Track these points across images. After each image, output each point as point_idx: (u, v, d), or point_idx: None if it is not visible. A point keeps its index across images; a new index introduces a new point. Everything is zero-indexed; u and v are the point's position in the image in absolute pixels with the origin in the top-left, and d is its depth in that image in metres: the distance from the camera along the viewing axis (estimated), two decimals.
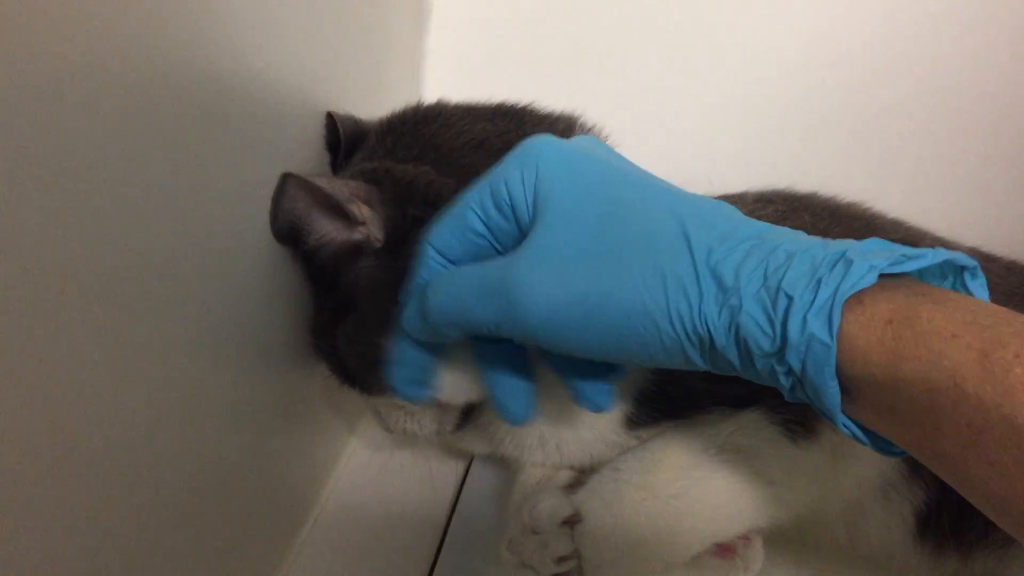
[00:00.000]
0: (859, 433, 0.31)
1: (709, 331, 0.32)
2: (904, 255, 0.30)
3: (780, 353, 0.30)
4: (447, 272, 0.39)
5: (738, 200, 0.59)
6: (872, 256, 0.29)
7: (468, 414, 0.53)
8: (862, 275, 0.29)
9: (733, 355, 0.32)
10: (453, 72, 0.56)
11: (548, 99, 0.56)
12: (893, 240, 0.50)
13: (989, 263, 0.57)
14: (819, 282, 0.29)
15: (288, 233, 0.46)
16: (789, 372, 0.30)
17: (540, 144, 0.38)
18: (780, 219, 0.54)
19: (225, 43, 0.38)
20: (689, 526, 0.47)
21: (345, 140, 0.54)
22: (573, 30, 0.71)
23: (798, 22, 0.69)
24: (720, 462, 0.48)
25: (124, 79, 0.30)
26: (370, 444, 0.67)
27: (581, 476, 0.53)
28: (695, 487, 0.47)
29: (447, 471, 0.63)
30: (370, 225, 0.45)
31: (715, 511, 0.48)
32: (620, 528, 0.47)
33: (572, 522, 0.48)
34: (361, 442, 0.67)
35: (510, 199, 0.37)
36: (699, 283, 0.32)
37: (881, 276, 0.29)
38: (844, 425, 0.31)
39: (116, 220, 0.31)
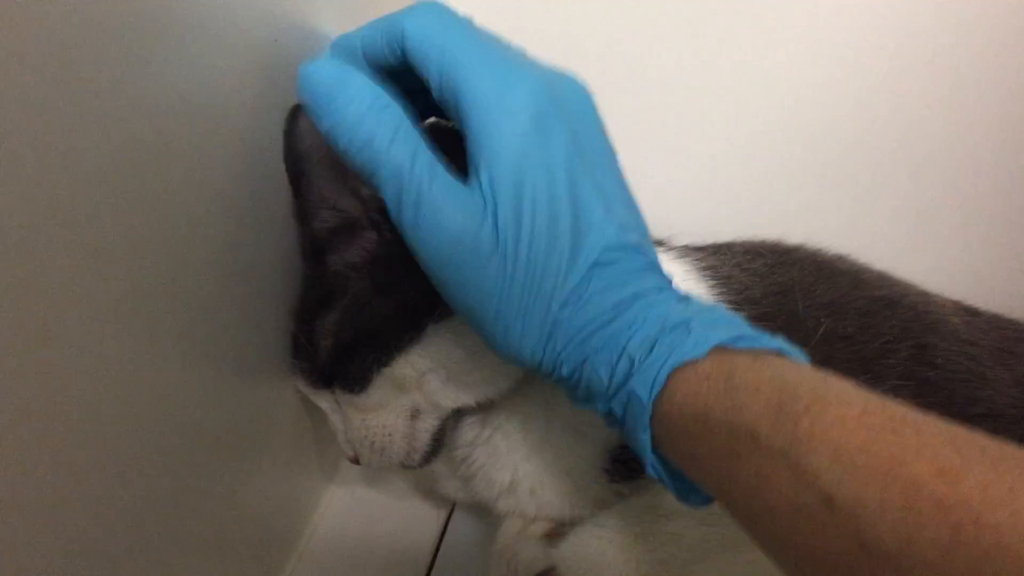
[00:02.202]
0: (665, 477, 0.35)
1: (558, 362, 0.38)
2: (742, 336, 0.33)
3: (609, 399, 0.36)
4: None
5: (727, 251, 0.59)
6: (714, 330, 0.34)
7: (439, 443, 0.51)
8: (694, 348, 0.33)
9: (568, 383, 0.38)
10: None
11: None
12: (877, 296, 0.51)
13: (972, 317, 0.58)
14: (653, 346, 0.34)
15: (293, 172, 0.45)
16: (611, 414, 0.37)
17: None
18: (768, 273, 0.55)
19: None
20: None
21: None
22: (553, 35, 0.70)
23: (789, 70, 0.70)
24: (707, 526, 0.47)
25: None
26: (351, 491, 0.66)
27: (563, 528, 0.51)
28: (679, 556, 0.46)
29: (428, 518, 0.62)
30: None
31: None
32: None
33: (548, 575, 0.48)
34: (341, 488, 0.66)
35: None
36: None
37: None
38: (652, 467, 0.35)
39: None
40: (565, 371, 0.38)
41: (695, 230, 0.61)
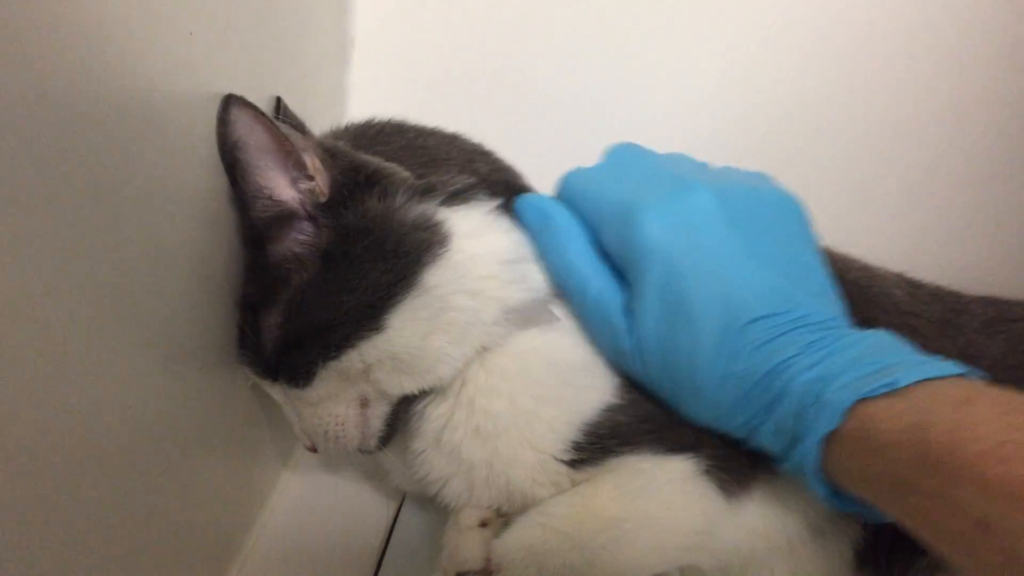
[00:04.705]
0: (855, 508, 0.40)
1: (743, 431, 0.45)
2: (876, 387, 0.37)
3: (783, 457, 0.43)
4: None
5: None
6: (847, 389, 0.38)
7: (392, 426, 0.51)
8: (829, 421, 0.38)
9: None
10: (377, 107, 0.56)
11: (472, 133, 0.56)
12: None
13: (915, 289, 0.58)
14: (803, 421, 0.39)
15: (228, 160, 0.45)
16: (792, 464, 0.42)
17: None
18: None
19: (143, 79, 0.38)
20: (614, 574, 0.46)
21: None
22: (498, 64, 0.72)
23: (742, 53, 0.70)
24: (649, 512, 0.47)
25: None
26: (305, 477, 0.66)
27: (509, 519, 0.51)
28: (624, 539, 0.46)
29: (379, 506, 0.62)
30: (319, 179, 0.45)
31: (641, 561, 0.46)
32: None
33: (492, 569, 0.47)
34: (295, 474, 0.66)
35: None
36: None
37: None
38: (839, 504, 0.40)
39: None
40: (745, 435, 0.44)
41: None
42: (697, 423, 0.46)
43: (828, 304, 0.45)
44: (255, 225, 0.47)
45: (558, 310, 0.50)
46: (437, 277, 0.46)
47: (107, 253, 0.36)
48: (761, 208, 0.48)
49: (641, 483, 0.47)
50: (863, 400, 0.37)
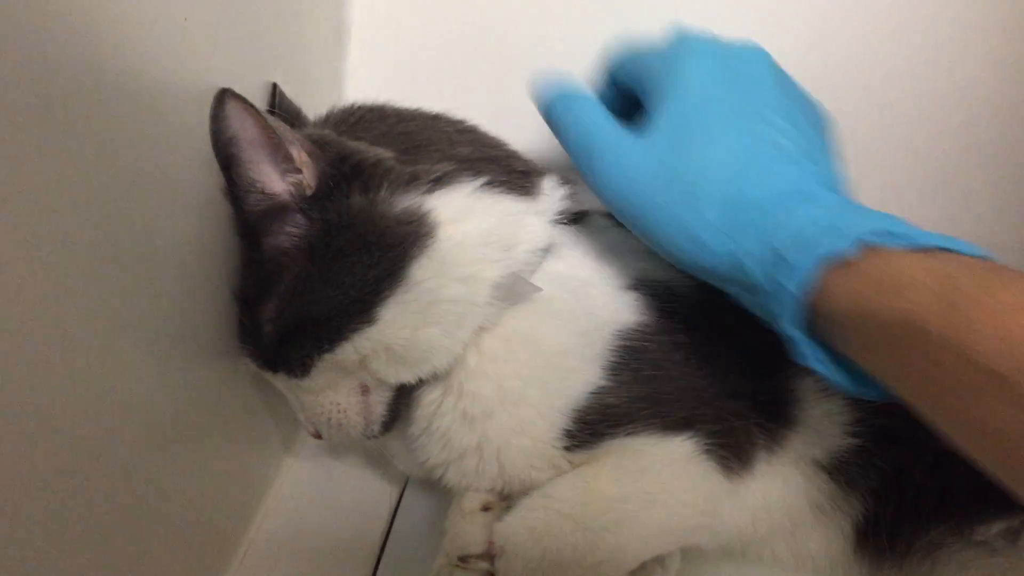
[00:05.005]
0: (832, 372, 0.37)
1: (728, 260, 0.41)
2: (895, 233, 0.34)
3: (768, 297, 0.38)
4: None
5: None
6: (863, 225, 0.35)
7: (395, 411, 0.51)
8: (840, 243, 0.35)
9: (740, 287, 0.41)
10: (374, 91, 0.55)
11: (469, 118, 0.56)
12: None
13: None
14: (805, 244, 0.36)
15: (223, 155, 0.45)
16: (769, 297, 0.38)
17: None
18: None
19: (138, 66, 0.37)
20: (618, 557, 0.46)
21: (284, 115, 0.54)
22: (495, 48, 0.71)
23: None
24: (652, 493, 0.47)
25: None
26: (307, 463, 0.66)
27: (511, 502, 0.51)
28: (627, 520, 0.46)
29: (383, 492, 0.63)
30: (305, 171, 0.45)
31: (644, 541, 0.47)
32: (546, 560, 0.46)
33: (494, 552, 0.47)
34: (298, 460, 0.66)
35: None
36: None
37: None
38: (815, 361, 0.37)
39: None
40: (727, 270, 0.41)
41: None
42: (677, 258, 0.44)
43: (846, 190, 0.44)
44: (249, 219, 0.47)
45: (544, 273, 0.50)
46: (424, 270, 0.46)
47: (108, 245, 0.36)
48: (805, 101, 0.49)
49: (642, 464, 0.48)
50: (881, 246, 0.34)
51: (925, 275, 0.32)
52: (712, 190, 0.41)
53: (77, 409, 0.35)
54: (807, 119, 0.47)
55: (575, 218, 0.55)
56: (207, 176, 0.46)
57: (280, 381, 0.52)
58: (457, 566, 0.49)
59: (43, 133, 0.31)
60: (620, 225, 0.48)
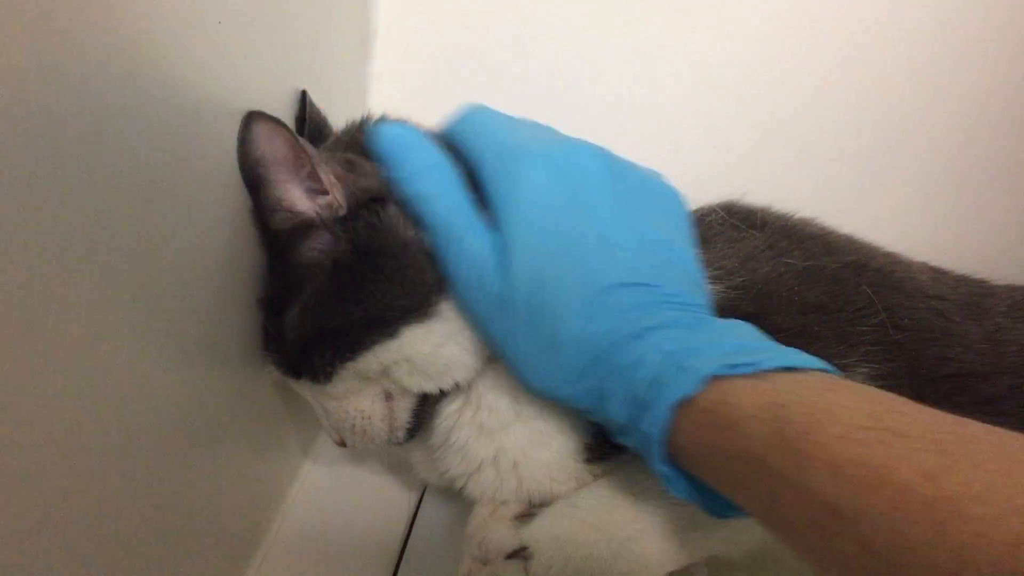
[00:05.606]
0: (696, 499, 0.38)
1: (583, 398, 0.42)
2: (737, 364, 0.35)
3: (629, 434, 0.40)
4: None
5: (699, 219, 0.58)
6: (709, 361, 0.36)
7: (420, 417, 0.51)
8: (688, 384, 0.36)
9: (600, 419, 0.43)
10: (398, 97, 0.56)
11: None
12: (848, 262, 0.50)
13: (939, 275, 0.57)
14: (657, 385, 0.37)
15: (250, 176, 0.46)
16: (635, 437, 0.39)
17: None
18: (739, 239, 0.54)
19: (171, 69, 0.38)
20: (643, 566, 0.46)
21: (310, 124, 0.55)
22: (518, 56, 0.72)
23: (758, 40, 0.70)
24: (675, 504, 0.46)
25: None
26: (326, 468, 0.66)
27: (533, 510, 0.51)
28: (651, 530, 0.46)
29: (401, 499, 0.62)
30: (335, 193, 0.46)
31: (667, 552, 0.46)
32: (569, 568, 0.45)
33: (520, 556, 0.47)
34: (317, 465, 0.66)
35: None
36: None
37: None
38: (678, 492, 0.38)
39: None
40: (589, 405, 0.42)
41: None
42: (542, 393, 0.44)
43: (697, 292, 0.44)
44: (276, 237, 0.47)
45: None
46: (455, 303, 0.46)
47: (135, 254, 0.36)
48: (644, 190, 0.48)
49: None
50: (724, 377, 0.35)
51: (760, 408, 0.33)
52: (567, 330, 0.41)
53: (100, 413, 0.35)
54: (653, 209, 0.46)
55: None
56: (236, 184, 0.46)
57: (304, 388, 0.52)
58: (487, 568, 0.48)
59: (77, 141, 0.31)
60: None
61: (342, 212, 0.46)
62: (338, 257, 0.46)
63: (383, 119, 0.53)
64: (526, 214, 0.43)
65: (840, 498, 0.28)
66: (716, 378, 0.35)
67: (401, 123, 0.49)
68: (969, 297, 0.55)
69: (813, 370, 0.35)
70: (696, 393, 0.35)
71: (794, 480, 0.30)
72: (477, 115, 0.49)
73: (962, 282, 0.57)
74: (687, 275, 0.44)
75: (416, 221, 0.46)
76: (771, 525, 0.33)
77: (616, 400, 0.40)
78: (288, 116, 0.55)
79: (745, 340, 0.38)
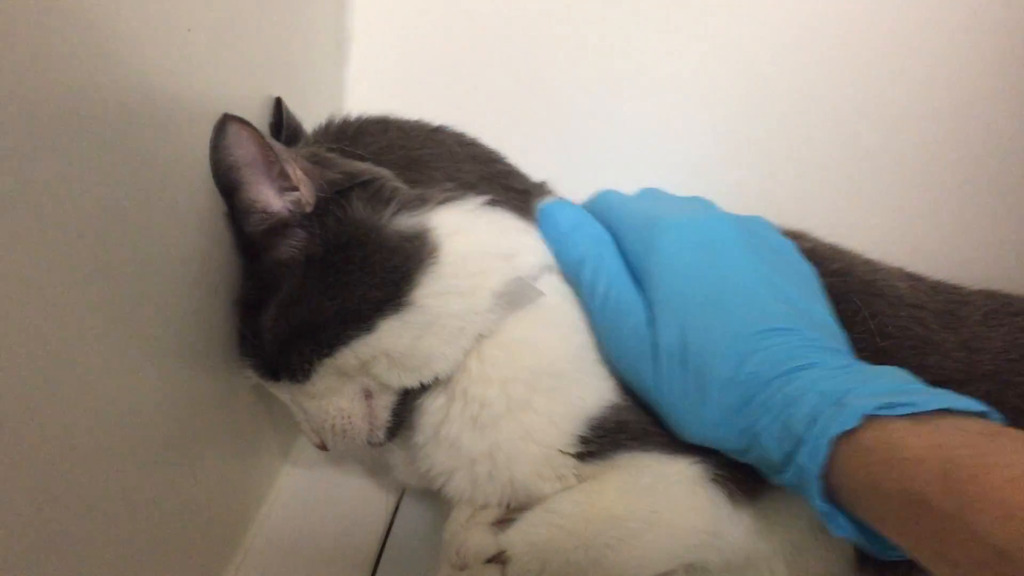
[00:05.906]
0: (856, 536, 0.38)
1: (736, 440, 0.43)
2: (896, 404, 0.36)
3: (784, 472, 0.40)
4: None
5: None
6: (868, 400, 0.36)
7: (400, 416, 0.51)
8: (847, 420, 0.36)
9: (754, 459, 0.43)
10: (373, 102, 0.55)
11: (470, 129, 0.56)
12: (834, 270, 0.50)
13: (915, 282, 0.57)
14: (815, 421, 0.38)
15: (224, 182, 0.46)
16: (790, 474, 0.40)
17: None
18: None
19: (140, 78, 0.37)
20: (619, 574, 0.46)
21: (286, 131, 0.55)
22: (495, 60, 0.71)
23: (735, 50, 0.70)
24: (656, 512, 0.47)
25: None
26: (305, 471, 0.66)
27: (511, 515, 0.50)
28: (629, 538, 0.46)
29: (379, 501, 0.62)
30: (303, 189, 0.46)
31: (646, 560, 0.46)
32: (547, 573, 0.45)
33: (497, 561, 0.47)
34: (296, 468, 0.66)
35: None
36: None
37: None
38: (839, 530, 0.38)
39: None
40: (742, 445, 0.43)
41: None
42: (695, 437, 0.45)
43: (839, 342, 0.45)
44: (251, 239, 0.47)
45: (543, 285, 0.50)
46: (426, 288, 0.46)
47: (110, 257, 0.36)
48: (780, 256, 0.51)
49: (647, 481, 0.47)
50: (883, 417, 0.36)
51: (924, 449, 0.33)
52: (718, 375, 0.42)
53: (78, 416, 0.35)
54: (790, 273, 0.49)
55: None
56: (210, 189, 0.46)
57: (283, 391, 0.51)
58: (464, 573, 0.48)
59: (48, 144, 0.31)
60: None
61: (309, 208, 0.46)
62: (311, 252, 0.46)
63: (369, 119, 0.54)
64: (668, 276, 0.46)
65: (1011, 542, 0.28)
66: (875, 417, 0.36)
67: (564, 201, 0.55)
68: (946, 305, 0.55)
69: (972, 412, 0.36)
70: (857, 429, 0.36)
71: (961, 522, 0.30)
72: (612, 195, 0.56)
73: (938, 289, 0.57)
74: (828, 328, 0.46)
75: (387, 208, 0.47)
76: (934, 565, 0.33)
77: (771, 438, 0.41)
78: (263, 123, 0.55)
79: (899, 382, 0.39)
